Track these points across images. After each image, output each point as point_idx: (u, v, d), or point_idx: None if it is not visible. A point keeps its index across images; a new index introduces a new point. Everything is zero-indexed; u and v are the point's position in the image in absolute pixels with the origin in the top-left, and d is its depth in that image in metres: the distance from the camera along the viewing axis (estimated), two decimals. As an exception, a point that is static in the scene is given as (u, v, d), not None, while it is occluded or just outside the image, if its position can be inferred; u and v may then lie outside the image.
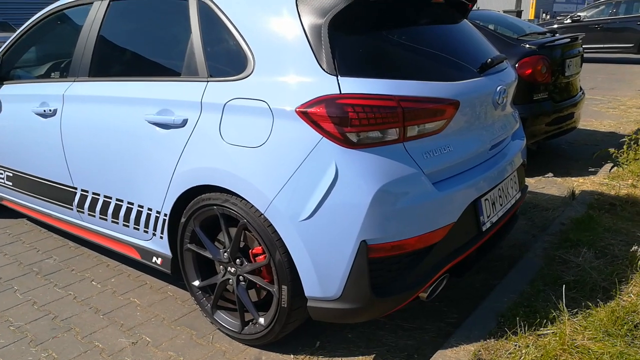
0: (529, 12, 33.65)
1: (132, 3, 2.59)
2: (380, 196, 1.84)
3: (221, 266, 2.27)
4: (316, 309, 2.01)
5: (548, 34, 4.95)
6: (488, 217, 2.27)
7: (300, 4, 1.99)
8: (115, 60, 2.67)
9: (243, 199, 2.03)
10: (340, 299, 1.94)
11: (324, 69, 1.90)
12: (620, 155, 3.48)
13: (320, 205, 1.87)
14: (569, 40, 4.68)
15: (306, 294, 1.99)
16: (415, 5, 2.29)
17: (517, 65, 4.18)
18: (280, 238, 1.97)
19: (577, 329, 2.18)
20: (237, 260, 2.19)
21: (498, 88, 2.30)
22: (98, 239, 2.82)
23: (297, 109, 1.88)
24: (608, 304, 2.33)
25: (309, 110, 1.87)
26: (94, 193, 2.69)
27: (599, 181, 4.07)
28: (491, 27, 4.69)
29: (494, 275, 2.77)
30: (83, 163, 2.68)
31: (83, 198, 2.77)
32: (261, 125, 1.96)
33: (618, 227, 3.14)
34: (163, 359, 2.22)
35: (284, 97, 1.93)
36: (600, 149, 3.61)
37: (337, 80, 1.88)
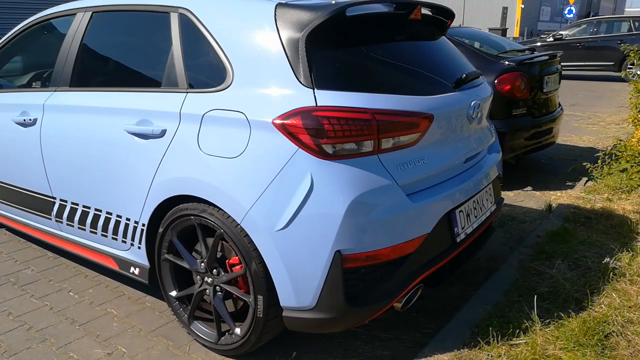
0: (514, 30, 34.32)
1: (114, 15, 2.62)
2: (354, 207, 1.88)
3: (198, 276, 2.28)
4: (291, 319, 2.02)
5: (527, 52, 5.07)
6: (462, 228, 2.31)
7: (279, 18, 2.04)
8: (96, 71, 2.69)
9: (220, 209, 2.05)
10: (315, 308, 1.96)
11: (301, 82, 1.94)
12: (595, 170, 3.56)
13: (295, 216, 1.89)
14: (547, 57, 4.79)
15: (281, 303, 2.01)
16: (393, 21, 2.35)
17: (496, 81, 4.27)
18: (256, 248, 1.98)
19: (549, 339, 2.22)
20: (214, 270, 2.20)
21: (472, 102, 2.36)
22: (76, 249, 2.81)
23: (274, 121, 1.92)
24: (580, 314, 2.38)
25: (285, 121, 1.90)
26: (72, 203, 2.69)
27: (575, 195, 4.15)
28: (472, 44, 4.79)
29: (470, 286, 2.80)
30: (62, 173, 2.68)
31: (62, 208, 2.76)
32: (239, 136, 1.99)
33: (592, 240, 3.20)
34: (138, 369, 2.21)
35: (262, 108, 1.97)
36: (577, 164, 3.69)
37: (314, 93, 1.92)
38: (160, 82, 2.30)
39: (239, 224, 2.00)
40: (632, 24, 13.18)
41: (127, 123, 2.32)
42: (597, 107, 9.12)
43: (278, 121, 1.91)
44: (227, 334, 2.25)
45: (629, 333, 2.24)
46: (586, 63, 13.20)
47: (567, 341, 2.18)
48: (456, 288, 2.83)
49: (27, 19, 3.13)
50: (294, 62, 1.96)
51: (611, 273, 2.74)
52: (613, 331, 2.25)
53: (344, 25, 2.08)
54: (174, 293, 2.39)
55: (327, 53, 2.02)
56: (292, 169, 1.90)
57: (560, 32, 14.21)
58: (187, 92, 2.18)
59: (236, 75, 2.06)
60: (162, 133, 2.20)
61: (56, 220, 2.83)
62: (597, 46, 13.20)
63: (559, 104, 5.14)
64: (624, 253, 2.96)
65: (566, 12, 23.91)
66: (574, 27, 14.40)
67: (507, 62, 4.41)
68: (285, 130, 1.90)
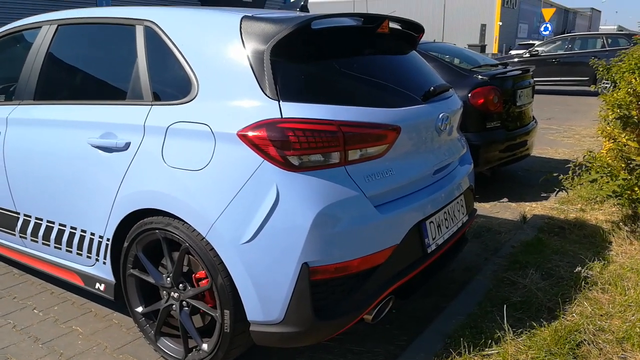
0: (492, 47, 35.05)
1: (80, 27, 2.59)
2: (321, 219, 1.86)
3: (164, 291, 2.23)
4: (259, 333, 1.98)
5: (500, 66, 5.15)
6: (433, 239, 2.30)
7: (244, 31, 2.03)
8: (60, 84, 2.65)
9: (185, 222, 2.01)
10: (283, 322, 1.92)
11: (266, 94, 1.93)
12: (566, 181, 3.61)
13: (261, 228, 1.86)
14: (520, 72, 4.88)
15: (249, 318, 1.97)
16: (360, 35, 2.36)
17: (469, 95, 4.32)
18: (222, 262, 1.95)
19: (521, 348, 2.21)
20: (180, 285, 2.15)
21: (440, 115, 2.37)
22: (41, 266, 2.74)
23: (239, 132, 1.90)
24: (552, 323, 2.38)
25: (250, 133, 1.88)
26: (36, 218, 2.63)
27: (550, 206, 4.20)
28: (446, 59, 4.86)
29: (444, 297, 2.79)
30: (26, 187, 2.62)
31: (26, 223, 2.69)
32: (203, 149, 1.96)
33: (565, 250, 3.22)
34: (102, 389, 2.14)
35: (226, 120, 1.95)
36: (548, 174, 3.74)
37: (279, 104, 1.91)
38: (125, 94, 2.27)
39: (204, 237, 1.96)
40: (605, 41, 13.54)
41: (91, 136, 2.28)
42: (573, 120, 9.29)
43: (243, 133, 1.89)
44: (194, 350, 2.19)
45: (600, 341, 2.25)
46: (561, 78, 13.48)
47: (539, 350, 2.17)
48: (430, 299, 2.81)
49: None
50: (259, 74, 1.95)
51: (583, 282, 2.75)
52: (584, 340, 2.25)
53: (310, 37, 2.09)
54: (140, 309, 2.33)
55: (292, 65, 2.02)
56: (258, 181, 1.87)
57: (537, 48, 14.51)
58: (152, 105, 2.16)
59: (201, 87, 2.05)
60: (126, 146, 2.16)
61: (20, 236, 2.76)
62: (572, 62, 13.50)
63: (533, 117, 5.22)
64: (595, 262, 2.99)
65: (542, 29, 24.48)
66: (550, 43, 14.74)
67: (480, 77, 4.47)
68: (250, 142, 1.88)
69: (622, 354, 2.17)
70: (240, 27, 2.04)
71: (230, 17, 2.10)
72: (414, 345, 2.27)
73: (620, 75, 4.56)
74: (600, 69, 5.51)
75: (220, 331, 2.03)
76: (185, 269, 2.16)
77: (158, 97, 2.16)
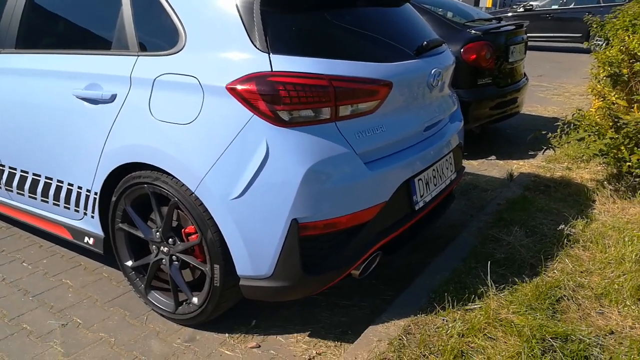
0: (486, 1, 34.27)
1: (61, -28, 2.47)
2: (311, 175, 1.85)
3: (154, 246, 2.24)
4: (248, 288, 2.01)
5: (494, 21, 5.05)
6: (421, 196, 2.32)
7: (234, -21, 1.95)
8: (43, 32, 2.54)
9: (173, 177, 1.99)
10: (272, 277, 1.95)
11: (256, 46, 1.87)
12: (554, 139, 3.62)
13: (250, 184, 1.86)
14: (513, 27, 4.79)
15: (238, 272, 1.99)
16: (353, -15, 2.28)
17: (462, 50, 4.26)
18: (212, 217, 1.95)
19: (503, 303, 2.27)
20: (170, 239, 2.16)
21: (432, 70, 2.33)
22: (28, 219, 2.72)
23: (228, 86, 1.86)
24: (533, 279, 2.44)
25: (239, 87, 1.84)
26: (22, 171, 2.58)
27: (537, 164, 4.23)
28: (440, 12, 4.75)
29: (430, 253, 2.84)
30: (10, 139, 2.56)
31: (11, 176, 2.65)
32: (191, 102, 1.92)
33: (550, 208, 3.27)
34: (93, 340, 2.18)
35: (215, 73, 1.90)
36: (537, 132, 3.75)
37: (269, 57, 1.86)
38: (111, 44, 2.19)
39: (193, 193, 1.95)
40: (600, -4, 13.29)
41: (76, 87, 2.22)
42: (564, 78, 9.24)
43: (232, 86, 1.85)
44: (184, 303, 2.23)
45: (579, 297, 2.32)
46: (555, 34, 13.31)
47: (520, 305, 2.24)
48: (416, 255, 2.86)
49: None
50: (249, 26, 1.89)
51: (565, 239, 2.81)
52: (564, 295, 2.32)
53: (302, -13, 2.01)
54: (129, 263, 2.34)
55: (283, 17, 1.95)
56: (247, 136, 1.85)
57: (531, 3, 14.23)
58: (138, 56, 2.09)
59: (189, 38, 1.98)
60: (112, 98, 2.11)
61: (6, 189, 2.72)
62: (566, 17, 13.28)
63: (524, 74, 5.17)
64: (579, 220, 3.04)
65: (538, -18, 23.90)
66: (544, -3, 14.44)
67: (473, 31, 4.39)
68: (240, 95, 1.84)
69: (600, 309, 2.25)
70: (229, -24, 1.95)
71: (219, -35, 2.00)
72: (399, 300, 2.32)
73: (613, 33, 4.51)
74: (594, 26, 5.43)
75: (210, 285, 2.06)
76: (174, 223, 2.15)
77: (144, 47, 2.09)
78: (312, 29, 2.04)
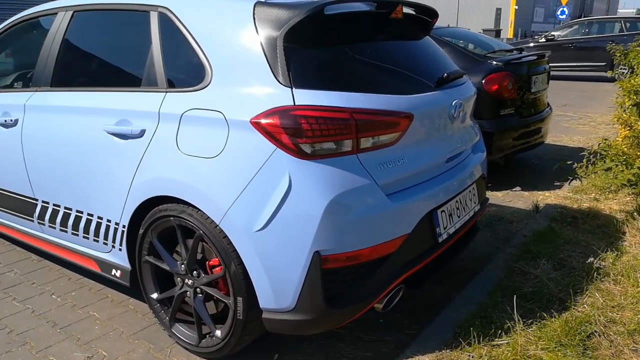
0: (507, 31, 34.43)
1: (95, 14, 2.60)
2: (333, 207, 1.86)
3: (179, 278, 2.26)
4: (271, 321, 2.01)
5: (515, 52, 5.07)
6: (445, 228, 2.30)
7: (257, 17, 2.03)
8: (76, 71, 2.67)
9: (199, 209, 2.03)
10: (295, 310, 1.94)
11: (279, 81, 1.93)
12: (580, 169, 3.56)
13: (274, 216, 1.88)
14: (535, 57, 4.80)
15: (261, 305, 1.99)
16: (373, 20, 2.34)
17: (484, 81, 4.27)
18: (235, 249, 1.97)
19: (531, 339, 2.21)
20: (194, 272, 2.18)
21: (454, 102, 2.35)
22: (59, 252, 2.79)
23: (252, 120, 1.90)
24: (563, 314, 2.37)
25: (263, 121, 1.89)
26: (54, 205, 2.67)
27: (563, 195, 4.16)
28: (460, 44, 4.80)
29: (455, 286, 2.79)
30: (44, 174, 2.66)
31: (44, 210, 2.74)
32: (217, 136, 1.97)
33: (578, 240, 3.20)
34: (118, 372, 2.19)
35: (240, 108, 1.95)
36: (562, 162, 3.70)
37: (292, 92, 1.91)
38: (140, 81, 2.29)
39: (217, 225, 1.98)
40: (623, 25, 13.24)
41: (106, 123, 2.31)
42: (589, 107, 9.15)
43: (256, 120, 1.90)
44: (207, 336, 2.23)
45: (611, 333, 2.24)
46: (578, 64, 13.24)
47: (549, 341, 2.17)
48: (441, 288, 2.82)
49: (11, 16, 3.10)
50: (272, 61, 1.95)
51: (595, 273, 2.73)
52: (595, 331, 2.25)
53: (323, 23, 2.07)
54: (155, 295, 2.37)
55: (305, 52, 2.01)
56: (270, 168, 1.88)
57: (552, 33, 14.25)
58: (167, 92, 2.17)
59: (215, 74, 2.05)
60: (142, 133, 2.18)
61: (38, 223, 2.81)
62: (588, 47, 13.23)
63: (548, 104, 5.15)
64: (608, 253, 2.96)
65: (559, 13, 23.98)
66: (566, 27, 14.45)
67: (494, 62, 4.41)
68: (263, 129, 1.89)
69: (634, 346, 2.16)
70: (254, 13, 2.04)
71: (244, 3, 2.09)
72: (424, 334, 2.28)
73: (638, 61, 4.48)
74: (618, 54, 5.40)
75: (233, 318, 2.06)
76: (199, 256, 2.18)
77: (172, 83, 2.17)
78: (334, 63, 2.09)
